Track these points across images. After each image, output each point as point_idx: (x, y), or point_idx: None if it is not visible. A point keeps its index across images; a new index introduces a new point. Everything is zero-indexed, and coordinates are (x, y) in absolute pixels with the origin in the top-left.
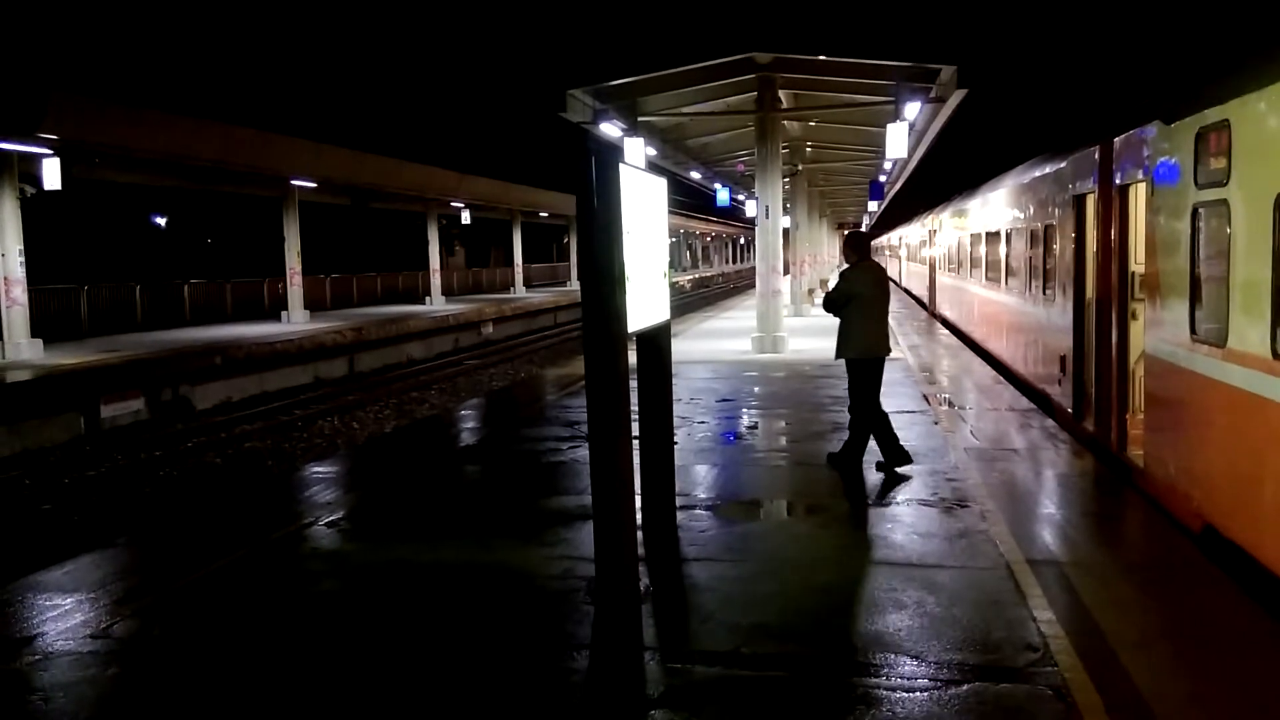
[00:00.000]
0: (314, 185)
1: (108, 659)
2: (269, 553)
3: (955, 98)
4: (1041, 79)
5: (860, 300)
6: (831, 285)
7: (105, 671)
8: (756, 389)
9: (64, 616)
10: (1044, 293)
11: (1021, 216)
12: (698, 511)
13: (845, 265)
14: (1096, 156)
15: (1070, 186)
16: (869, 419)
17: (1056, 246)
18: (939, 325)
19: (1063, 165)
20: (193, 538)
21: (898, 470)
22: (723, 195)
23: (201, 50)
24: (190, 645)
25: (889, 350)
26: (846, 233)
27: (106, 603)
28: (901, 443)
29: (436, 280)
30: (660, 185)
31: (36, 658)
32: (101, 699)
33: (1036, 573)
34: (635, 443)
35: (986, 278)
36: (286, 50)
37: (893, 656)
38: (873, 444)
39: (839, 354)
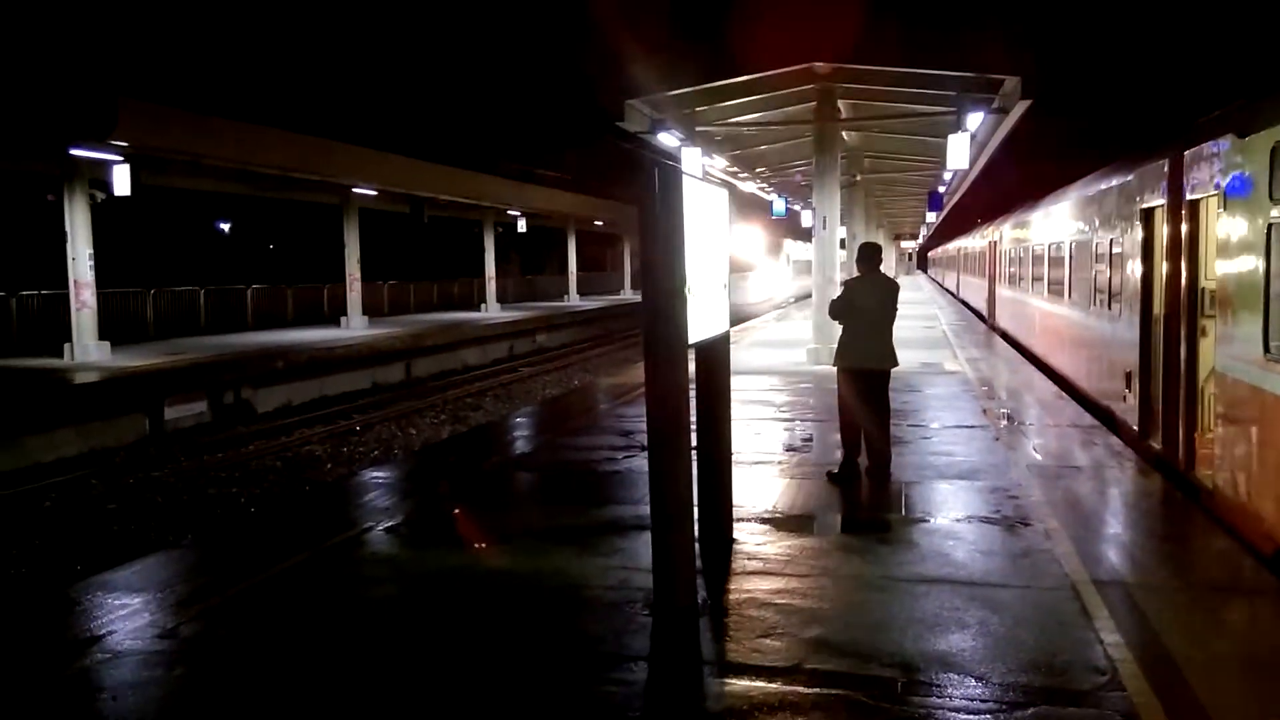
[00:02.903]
0: (374, 193)
1: (174, 659)
2: (329, 557)
3: (1019, 109)
4: (1108, 89)
5: (857, 312)
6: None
7: (172, 672)
8: (811, 400)
9: (132, 616)
10: (1109, 307)
11: (1086, 229)
12: (753, 524)
13: (854, 275)
14: (1166, 169)
15: (1138, 199)
16: (845, 427)
17: (1122, 260)
18: (998, 339)
19: (1130, 178)
20: (254, 540)
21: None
22: (779, 205)
23: (262, 56)
24: (253, 647)
25: (883, 366)
26: (860, 243)
27: (173, 603)
28: (891, 464)
29: (492, 287)
30: (722, 196)
31: (106, 656)
32: (168, 698)
33: (1103, 594)
34: (692, 453)
35: (1049, 291)
36: (341, 56)
37: (956, 677)
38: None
39: (834, 361)
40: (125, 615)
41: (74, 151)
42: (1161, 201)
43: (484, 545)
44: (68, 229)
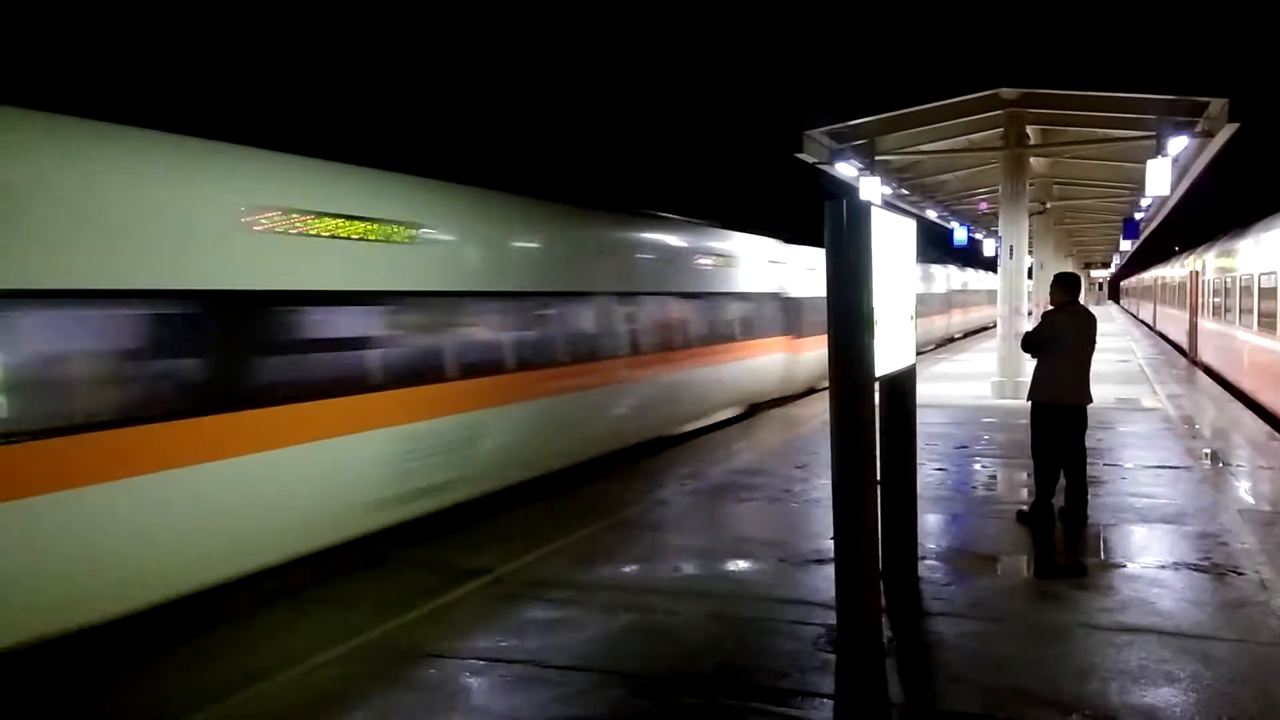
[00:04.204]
0: None
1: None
2: (517, 568)
3: (1225, 132)
4: None
5: (1056, 344)
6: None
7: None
8: (996, 436)
9: None
10: None
11: None
12: (934, 563)
13: (1050, 306)
14: None
15: None
16: (1039, 465)
17: None
18: (1200, 374)
19: None
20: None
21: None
22: (960, 234)
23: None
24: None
25: (1080, 401)
26: (1056, 273)
27: None
28: (1089, 506)
29: None
30: (910, 226)
31: None
32: None
33: None
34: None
35: (1259, 325)
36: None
37: None
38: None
39: (1028, 396)
40: None
41: None
42: None
43: (667, 567)
44: None
